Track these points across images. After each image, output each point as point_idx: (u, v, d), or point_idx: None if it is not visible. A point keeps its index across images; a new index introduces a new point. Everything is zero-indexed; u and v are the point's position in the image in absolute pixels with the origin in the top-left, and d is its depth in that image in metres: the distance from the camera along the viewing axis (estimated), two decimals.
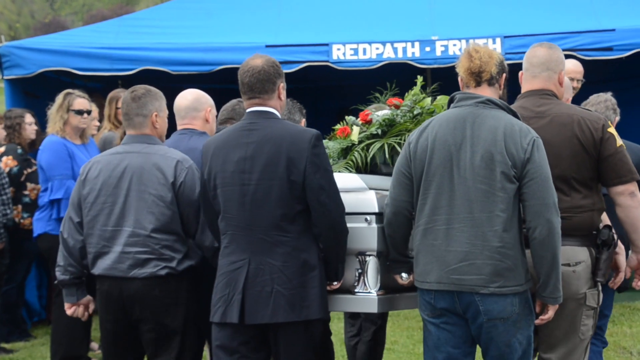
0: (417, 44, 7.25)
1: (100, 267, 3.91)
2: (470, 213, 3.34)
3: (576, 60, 6.29)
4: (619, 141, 3.68)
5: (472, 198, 3.34)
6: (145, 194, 3.87)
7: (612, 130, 3.68)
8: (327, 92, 9.84)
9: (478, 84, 3.53)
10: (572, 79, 5.95)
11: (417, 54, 7.23)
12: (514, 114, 3.47)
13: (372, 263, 3.64)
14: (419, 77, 4.32)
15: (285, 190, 3.47)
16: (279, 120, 3.60)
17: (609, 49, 6.85)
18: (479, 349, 3.54)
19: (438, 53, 7.20)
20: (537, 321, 3.47)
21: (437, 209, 3.40)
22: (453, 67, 7.48)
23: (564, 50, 6.98)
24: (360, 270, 3.65)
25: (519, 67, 7.31)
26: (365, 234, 3.61)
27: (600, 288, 3.73)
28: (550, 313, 3.45)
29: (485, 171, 3.33)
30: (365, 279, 3.64)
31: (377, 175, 3.94)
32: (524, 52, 7.05)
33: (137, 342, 3.95)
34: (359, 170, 3.97)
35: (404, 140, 3.87)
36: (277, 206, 3.47)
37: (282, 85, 3.64)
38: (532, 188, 3.32)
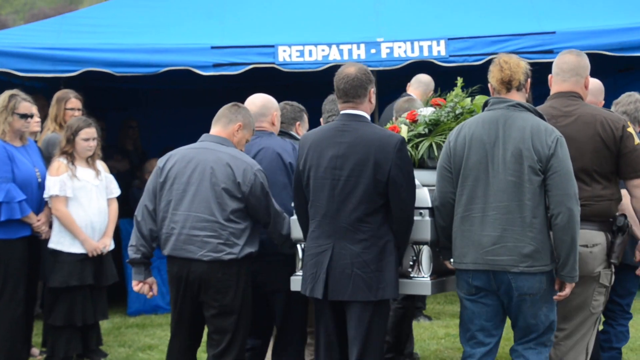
0: (362, 46, 7.27)
1: (170, 247, 4.42)
2: (502, 202, 3.85)
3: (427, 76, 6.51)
4: (637, 140, 4.22)
5: (504, 189, 3.85)
6: (215, 185, 4.37)
7: (631, 130, 4.22)
8: (274, 92, 9.80)
9: (508, 90, 4.01)
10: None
11: (363, 56, 7.25)
12: (540, 116, 3.97)
13: (425, 251, 4.16)
14: (459, 78, 4.69)
15: (371, 187, 4.01)
16: (369, 124, 4.14)
17: (550, 51, 7.00)
18: (508, 322, 4.09)
19: (383, 55, 7.24)
20: (555, 297, 3.95)
21: (473, 199, 3.91)
22: (398, 69, 7.54)
23: (506, 53, 7.13)
24: (415, 258, 4.17)
25: (461, 68, 7.41)
26: (419, 226, 4.12)
27: (613, 270, 4.27)
28: (567, 290, 3.93)
29: (515, 165, 3.84)
30: (420, 265, 4.16)
31: (423, 168, 4.45)
32: (467, 55, 7.28)
33: (201, 318, 4.46)
34: None
35: None
36: (362, 200, 4.01)
37: (372, 90, 4.18)
38: (555, 180, 3.82)
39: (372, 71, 7.47)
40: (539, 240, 3.83)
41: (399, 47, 7.22)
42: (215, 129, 4.56)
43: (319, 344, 4.19)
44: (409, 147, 4.44)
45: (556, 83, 4.33)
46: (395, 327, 5.32)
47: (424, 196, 4.15)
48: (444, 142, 4.31)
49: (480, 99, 4.57)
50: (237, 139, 4.53)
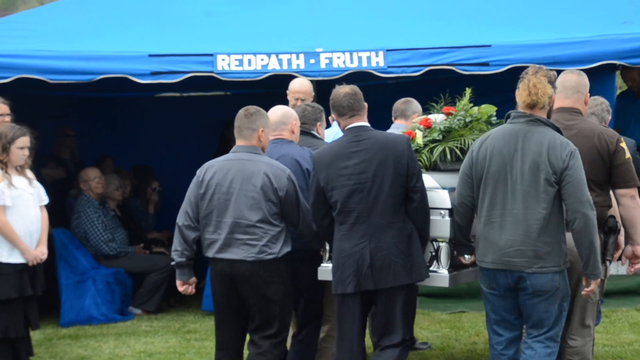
0: (301, 56, 7.28)
1: (215, 251, 4.83)
2: (518, 209, 4.29)
3: (304, 80, 6.54)
4: (628, 154, 4.71)
5: (521, 198, 4.29)
6: (255, 192, 4.77)
7: (623, 144, 4.71)
8: (213, 101, 9.77)
9: (531, 109, 4.38)
10: (297, 99, 6.22)
11: (302, 66, 7.26)
12: (558, 130, 4.37)
13: (444, 247, 4.69)
14: (467, 88, 5.05)
15: (395, 181, 4.56)
16: (375, 130, 4.73)
17: (486, 64, 7.12)
18: None
19: (322, 65, 7.26)
20: (583, 292, 4.44)
21: (493, 205, 4.36)
22: (337, 80, 7.58)
23: (443, 65, 7.26)
24: (434, 253, 4.69)
25: (400, 79, 7.42)
26: (439, 225, 4.65)
27: (607, 265, 4.72)
28: (592, 286, 4.39)
29: (531, 177, 4.28)
30: (439, 260, 4.68)
31: (436, 171, 4.91)
32: (405, 66, 7.36)
33: (244, 313, 4.87)
34: (424, 168, 4.89)
35: (460, 144, 4.91)
36: (390, 194, 4.56)
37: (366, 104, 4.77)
38: (569, 189, 4.26)
39: (311, 81, 7.60)
40: (551, 244, 4.27)
41: (338, 57, 7.26)
42: (242, 141, 4.90)
43: (345, 336, 4.64)
44: (424, 151, 4.95)
45: (559, 99, 4.74)
46: None
47: (444, 198, 4.65)
48: (456, 147, 4.88)
49: (485, 107, 5.01)
50: (263, 143, 4.93)
